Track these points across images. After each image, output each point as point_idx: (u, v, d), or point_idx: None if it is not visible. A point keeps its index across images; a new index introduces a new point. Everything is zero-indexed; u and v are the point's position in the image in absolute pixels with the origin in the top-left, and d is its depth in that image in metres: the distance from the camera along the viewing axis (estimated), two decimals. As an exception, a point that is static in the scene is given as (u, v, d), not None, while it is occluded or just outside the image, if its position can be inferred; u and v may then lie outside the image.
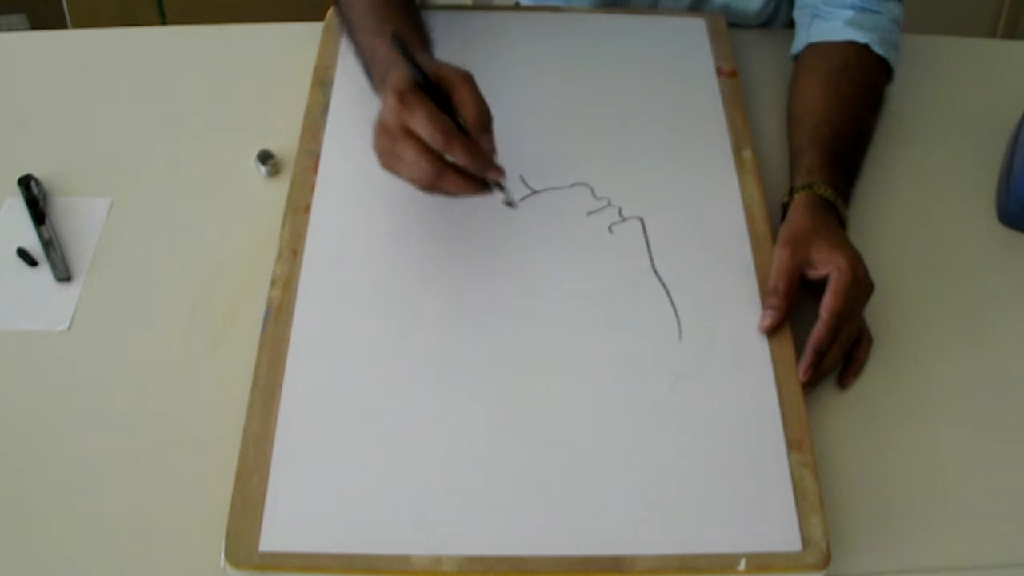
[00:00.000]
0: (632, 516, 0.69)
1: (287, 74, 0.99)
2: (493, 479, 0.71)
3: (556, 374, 0.76)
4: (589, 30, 1.04)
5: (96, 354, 0.79)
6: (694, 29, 1.04)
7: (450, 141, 0.73)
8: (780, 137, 0.97)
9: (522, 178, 0.88)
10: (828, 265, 0.80)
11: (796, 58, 1.02)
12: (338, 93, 0.95)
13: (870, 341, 0.81)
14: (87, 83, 1.01)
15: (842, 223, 0.86)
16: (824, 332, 0.77)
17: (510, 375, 0.76)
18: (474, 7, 1.15)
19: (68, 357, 0.79)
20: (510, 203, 0.79)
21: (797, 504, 0.70)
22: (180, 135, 0.96)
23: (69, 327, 0.80)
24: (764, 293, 0.81)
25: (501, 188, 0.78)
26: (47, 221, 0.87)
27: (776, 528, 0.69)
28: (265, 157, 0.92)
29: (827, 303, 0.78)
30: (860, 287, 0.80)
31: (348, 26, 0.91)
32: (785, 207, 0.87)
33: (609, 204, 0.85)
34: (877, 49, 0.96)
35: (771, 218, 0.87)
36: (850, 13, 0.98)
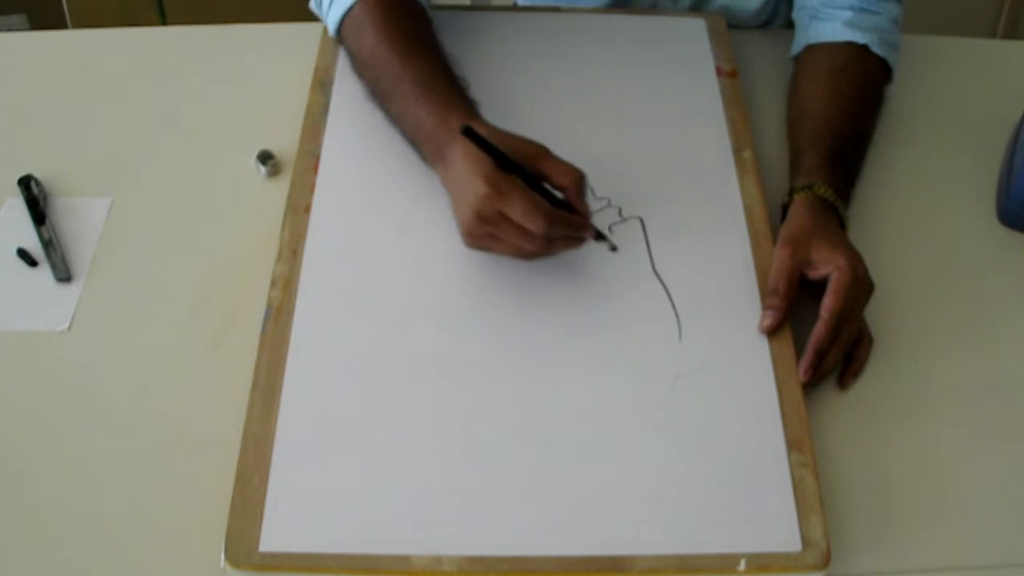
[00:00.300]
0: (632, 516, 0.69)
1: (287, 74, 0.99)
2: (493, 479, 0.71)
3: (556, 374, 0.76)
4: (589, 30, 1.04)
5: (96, 354, 0.79)
6: (694, 29, 1.05)
7: (551, 222, 0.75)
8: (780, 137, 0.97)
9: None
10: (828, 265, 0.80)
11: (796, 59, 1.02)
12: (338, 94, 0.95)
13: (870, 341, 0.81)
14: (87, 83, 1.01)
15: (842, 223, 0.86)
16: (824, 332, 0.77)
17: (510, 375, 0.76)
18: (474, 7, 1.15)
19: (68, 357, 0.79)
20: (613, 248, 0.82)
21: (797, 504, 0.70)
22: (180, 135, 0.96)
23: (69, 327, 0.80)
24: (764, 293, 0.81)
25: (603, 238, 0.81)
26: (47, 221, 0.87)
27: (776, 528, 0.69)
28: (265, 157, 0.92)
29: (827, 303, 0.78)
30: (860, 287, 0.80)
31: (380, 94, 0.89)
32: (785, 207, 0.87)
33: (609, 204, 0.85)
34: (876, 49, 0.96)
35: (771, 218, 0.87)
36: (848, 14, 0.98)
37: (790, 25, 1.06)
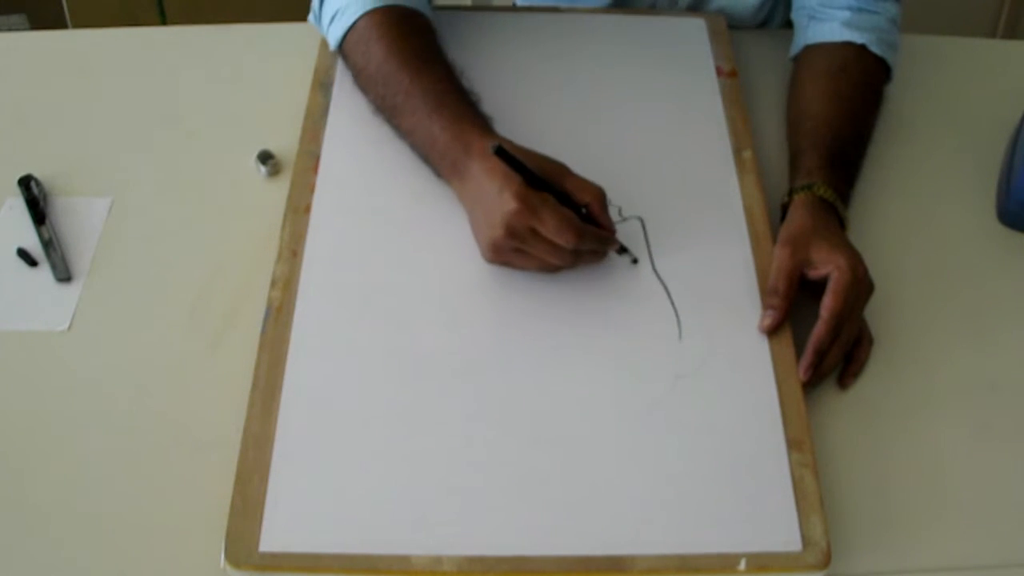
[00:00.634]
0: (632, 516, 0.69)
1: (287, 74, 0.99)
2: (493, 479, 0.71)
3: (556, 374, 0.76)
4: (589, 30, 1.04)
5: (96, 354, 0.79)
6: (694, 29, 1.05)
7: (581, 237, 0.77)
8: (780, 137, 0.97)
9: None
10: (828, 265, 0.80)
11: (795, 60, 1.02)
12: (338, 94, 0.95)
13: (870, 341, 0.81)
14: (87, 83, 1.01)
15: (842, 224, 0.86)
16: (824, 332, 0.77)
17: (510, 374, 0.76)
18: (474, 7, 1.15)
19: (68, 357, 0.79)
20: (635, 260, 0.83)
21: (797, 504, 0.70)
22: (180, 135, 0.96)
23: (69, 327, 0.80)
24: (764, 293, 0.81)
25: (625, 251, 0.82)
26: (47, 221, 0.87)
27: (776, 528, 0.69)
28: (265, 157, 0.92)
29: (827, 303, 0.78)
30: (860, 287, 0.80)
31: (388, 109, 0.89)
32: (785, 207, 0.87)
33: (609, 204, 0.85)
34: (875, 49, 0.96)
35: (771, 218, 0.87)
36: (847, 14, 0.98)
37: (789, 25, 1.06)
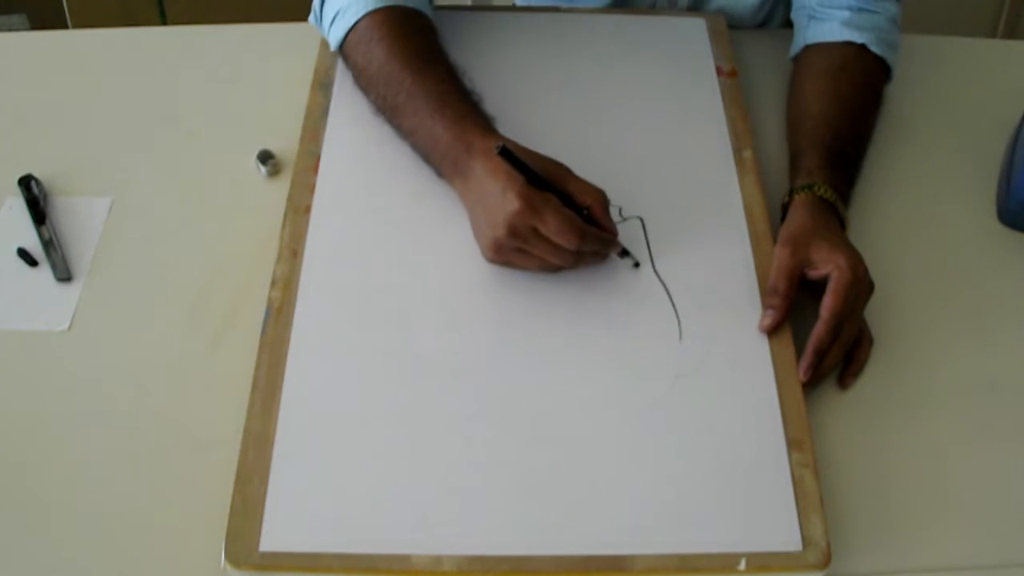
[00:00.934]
0: (632, 516, 0.69)
1: (287, 74, 0.99)
2: (493, 479, 0.71)
3: (556, 373, 0.76)
4: (589, 30, 1.04)
5: (96, 354, 0.79)
6: (694, 29, 1.05)
7: (583, 238, 0.77)
8: (780, 137, 0.97)
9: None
10: (828, 265, 0.80)
11: (794, 59, 1.02)
12: (338, 94, 0.95)
13: (870, 341, 0.81)
14: (87, 83, 1.01)
15: (842, 224, 0.86)
16: (824, 332, 0.77)
17: (510, 374, 0.76)
18: (474, 7, 1.15)
19: (68, 357, 0.79)
20: (636, 264, 0.83)
21: (797, 504, 0.70)
22: (180, 135, 0.96)
23: (69, 327, 0.80)
24: (764, 293, 0.81)
25: (627, 254, 0.82)
26: (47, 221, 0.87)
27: (776, 528, 0.69)
28: (265, 157, 0.92)
29: (827, 303, 0.78)
30: (860, 287, 0.80)
31: (389, 109, 0.89)
32: (785, 207, 0.87)
33: (609, 204, 0.85)
34: (874, 49, 0.96)
35: (771, 218, 0.87)
36: (846, 14, 0.98)
37: (789, 25, 1.06)
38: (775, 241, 0.83)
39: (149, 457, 0.73)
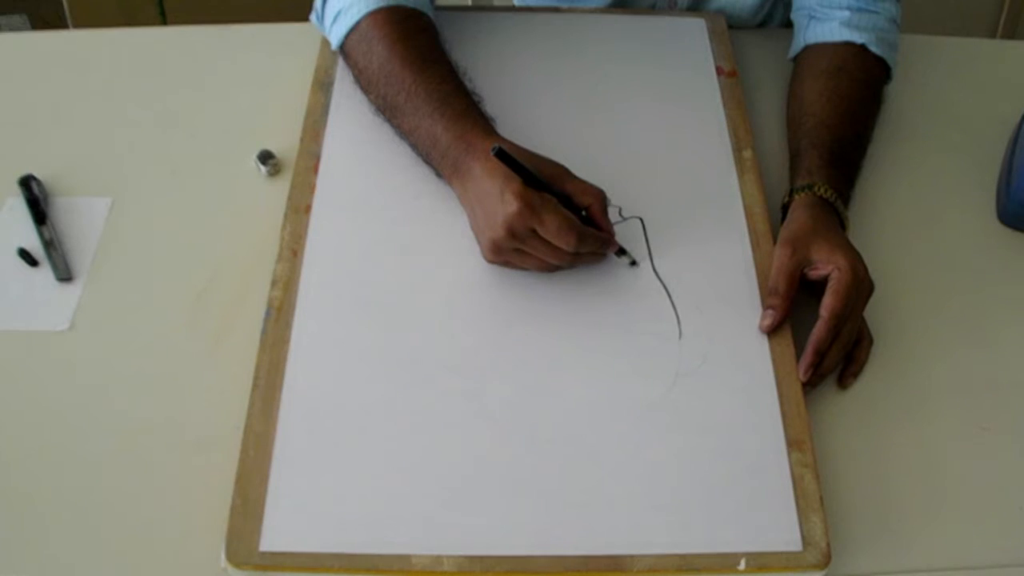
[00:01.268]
0: (632, 516, 0.69)
1: (287, 74, 0.99)
2: (493, 479, 0.71)
3: (556, 373, 0.76)
4: (589, 30, 1.04)
5: (96, 354, 0.79)
6: (694, 29, 1.05)
7: (581, 239, 0.77)
8: (780, 137, 0.97)
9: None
10: (828, 265, 0.80)
11: (795, 60, 1.02)
12: (338, 94, 0.95)
13: (870, 341, 0.81)
14: (87, 83, 1.01)
15: (842, 224, 0.86)
16: (824, 332, 0.77)
17: (510, 374, 0.76)
18: (474, 7, 1.15)
19: (68, 357, 0.79)
20: (634, 263, 0.83)
21: (797, 504, 0.70)
22: (180, 135, 0.96)
23: (70, 327, 0.80)
24: (764, 293, 0.81)
25: (624, 253, 0.83)
26: (48, 221, 0.87)
27: (776, 527, 0.69)
28: (265, 157, 0.92)
29: (827, 303, 0.78)
30: (860, 287, 0.80)
31: (389, 109, 0.88)
32: (785, 207, 0.87)
33: (609, 204, 0.85)
34: (874, 49, 0.96)
35: (771, 218, 0.88)
36: (846, 14, 0.98)
37: (789, 25, 1.06)
38: (775, 241, 0.83)
39: (149, 457, 0.73)
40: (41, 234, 0.86)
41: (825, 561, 0.68)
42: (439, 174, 0.86)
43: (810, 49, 0.99)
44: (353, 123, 0.93)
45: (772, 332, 0.79)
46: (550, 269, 0.81)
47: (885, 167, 0.96)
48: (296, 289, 0.80)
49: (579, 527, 0.69)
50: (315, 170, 0.89)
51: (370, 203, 0.87)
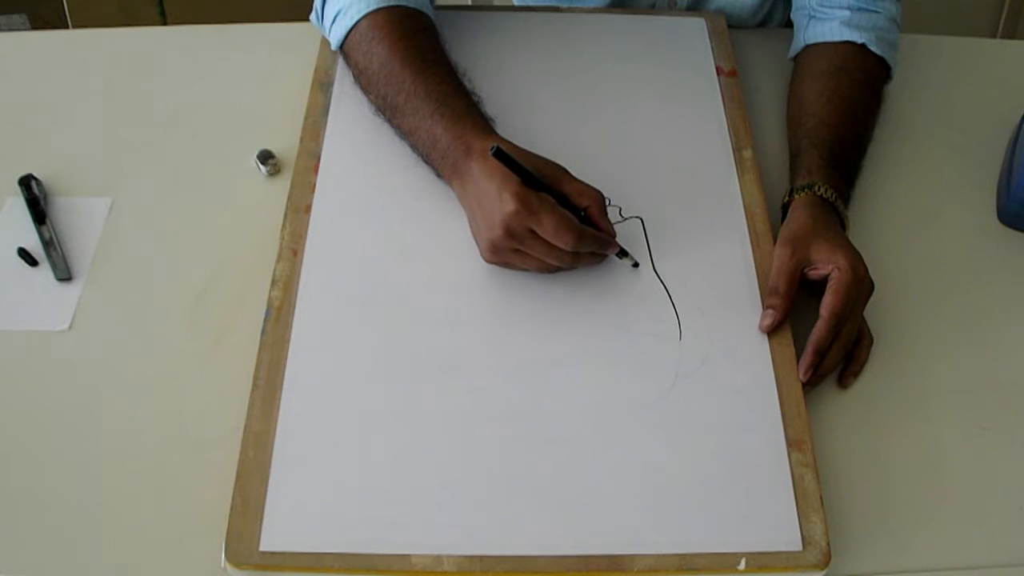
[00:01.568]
0: (632, 516, 0.69)
1: (287, 74, 0.99)
2: (493, 479, 0.71)
3: (556, 374, 0.76)
4: (589, 30, 1.04)
5: (96, 354, 0.79)
6: (694, 29, 1.05)
7: (580, 239, 0.77)
8: (780, 137, 0.97)
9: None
10: (828, 265, 0.80)
11: (795, 59, 1.02)
12: (338, 94, 0.95)
13: (870, 341, 0.81)
14: (87, 83, 1.01)
15: (842, 223, 0.86)
16: (824, 332, 0.77)
17: (510, 374, 0.76)
18: (474, 7, 1.15)
19: (68, 357, 0.79)
20: (635, 264, 0.83)
21: (797, 503, 0.70)
22: (180, 135, 0.96)
23: (69, 327, 0.80)
24: (764, 293, 0.81)
25: (626, 255, 0.82)
26: (47, 221, 0.87)
27: (776, 527, 0.69)
28: (265, 157, 0.92)
29: (827, 302, 0.78)
30: (861, 287, 0.80)
31: (389, 109, 0.88)
32: (785, 207, 0.87)
33: (609, 204, 0.85)
34: (874, 48, 0.96)
35: (771, 218, 0.88)
36: (846, 13, 0.98)
37: (789, 24, 1.06)
38: (775, 241, 0.83)
39: (149, 457, 0.73)
40: (41, 234, 0.86)
41: (825, 561, 0.68)
42: (439, 174, 0.86)
43: (810, 49, 1.00)
44: (353, 123, 0.93)
45: (772, 332, 0.79)
46: (550, 270, 0.81)
47: (885, 167, 0.96)
48: (296, 289, 0.80)
49: (579, 527, 0.69)
50: (315, 170, 0.89)
51: (370, 203, 0.87)
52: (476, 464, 0.71)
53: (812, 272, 0.81)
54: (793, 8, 1.04)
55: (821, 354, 0.77)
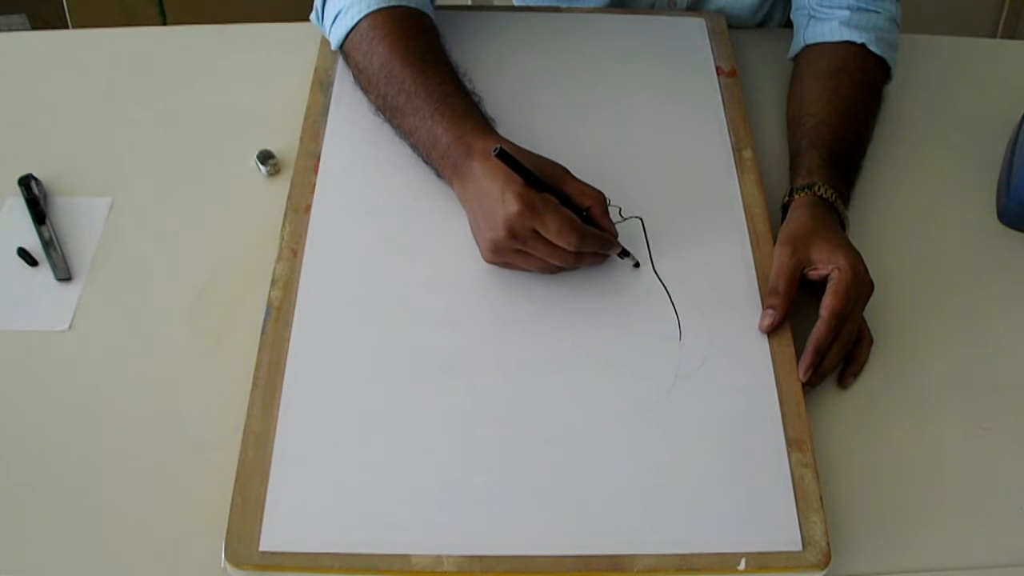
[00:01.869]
0: (632, 516, 0.69)
1: (287, 74, 0.99)
2: (493, 479, 0.71)
3: (556, 374, 0.76)
4: (589, 30, 1.04)
5: (96, 354, 0.79)
6: (694, 29, 1.05)
7: (582, 239, 0.77)
8: (780, 137, 0.97)
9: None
10: (828, 265, 0.80)
11: (794, 59, 1.02)
12: (338, 94, 0.95)
13: (870, 341, 0.81)
14: (87, 83, 1.01)
15: (842, 224, 0.86)
16: (824, 332, 0.77)
17: (510, 374, 0.76)
18: (474, 7, 1.15)
19: (68, 357, 0.79)
20: (637, 265, 0.83)
21: (797, 504, 0.70)
22: (180, 135, 0.96)
23: (69, 327, 0.80)
24: (764, 293, 0.81)
25: (627, 255, 0.82)
26: (47, 221, 0.87)
27: (776, 527, 0.69)
28: (265, 157, 0.92)
29: (827, 303, 0.78)
30: (860, 287, 0.80)
31: (390, 109, 0.89)
32: (785, 207, 0.87)
33: (609, 204, 0.85)
34: (874, 48, 0.96)
35: (771, 218, 0.88)
36: (846, 13, 0.98)
37: (788, 24, 1.06)
38: (775, 241, 0.83)
39: (149, 457, 0.73)
40: (41, 234, 0.86)
41: (825, 561, 0.68)
42: (439, 174, 0.86)
43: (810, 49, 1.00)
44: (353, 123, 0.93)
45: (772, 332, 0.79)
46: (551, 270, 0.81)
47: (885, 167, 0.96)
48: (296, 289, 0.80)
49: (579, 527, 0.69)
50: (315, 170, 0.89)
51: (370, 203, 0.87)
52: (476, 464, 0.71)
53: (812, 272, 0.81)
54: (793, 8, 1.04)
55: (821, 354, 0.77)
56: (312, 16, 0.98)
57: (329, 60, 0.99)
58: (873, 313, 0.82)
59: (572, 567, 0.67)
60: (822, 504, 0.70)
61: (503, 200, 0.76)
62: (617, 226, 0.83)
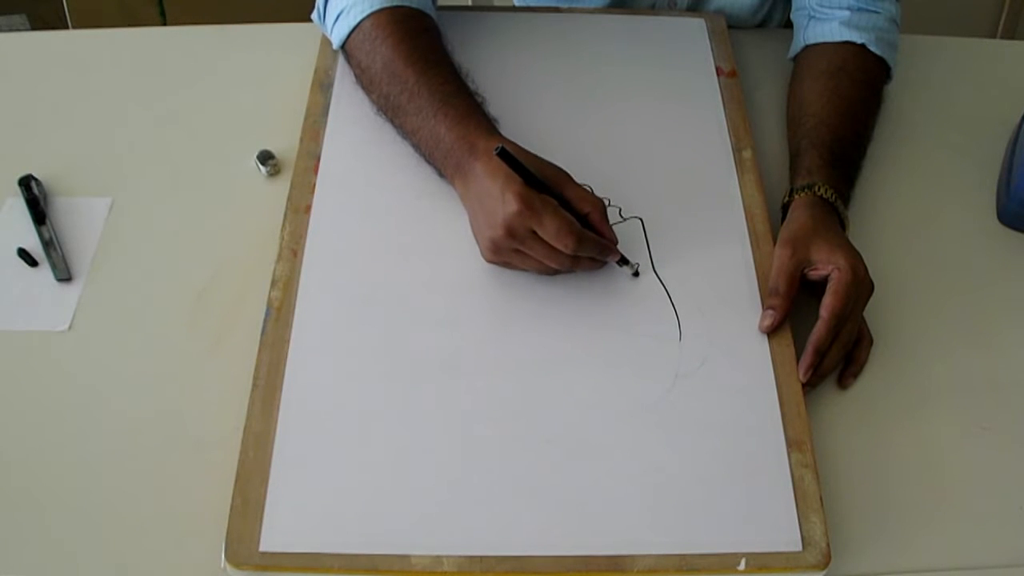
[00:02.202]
0: (632, 516, 0.69)
1: (287, 74, 0.99)
2: (493, 479, 0.71)
3: (556, 374, 0.76)
4: (589, 30, 1.04)
5: (96, 354, 0.79)
6: (694, 29, 1.05)
7: (580, 242, 0.77)
8: (780, 137, 0.97)
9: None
10: (828, 265, 0.80)
11: (794, 60, 1.02)
12: (338, 94, 0.95)
13: (870, 341, 0.81)
14: (87, 83, 1.01)
15: (842, 224, 0.86)
16: (824, 332, 0.77)
17: (510, 374, 0.76)
18: (474, 7, 1.15)
19: (68, 357, 0.79)
20: (636, 274, 0.83)
21: (797, 504, 0.70)
22: (180, 135, 0.96)
23: (69, 327, 0.80)
24: (764, 293, 0.81)
25: (626, 263, 0.82)
26: (47, 221, 0.87)
27: (776, 528, 0.69)
28: (265, 157, 0.92)
29: (827, 303, 0.78)
30: (860, 287, 0.80)
31: (392, 108, 0.89)
32: (785, 207, 0.87)
33: (609, 204, 0.85)
34: (874, 49, 0.96)
35: (771, 218, 0.88)
36: (846, 14, 0.98)
37: (788, 25, 1.06)
38: (775, 241, 0.83)
39: (149, 457, 0.73)
40: (41, 234, 0.86)
41: (825, 561, 0.68)
42: (441, 174, 0.86)
43: (810, 49, 1.00)
44: (353, 123, 0.93)
45: (772, 332, 0.79)
46: (549, 272, 0.81)
47: (885, 167, 0.96)
48: (296, 289, 0.80)
49: (578, 527, 0.69)
50: (315, 170, 0.89)
51: (370, 203, 0.87)
52: (476, 464, 0.71)
53: (812, 272, 0.81)
54: (793, 8, 1.04)
55: (821, 354, 0.77)
56: (313, 15, 0.98)
57: (329, 60, 0.99)
58: (873, 313, 0.82)
59: (572, 567, 0.67)
60: (822, 504, 0.70)
61: (503, 200, 0.76)
62: (617, 226, 0.83)
